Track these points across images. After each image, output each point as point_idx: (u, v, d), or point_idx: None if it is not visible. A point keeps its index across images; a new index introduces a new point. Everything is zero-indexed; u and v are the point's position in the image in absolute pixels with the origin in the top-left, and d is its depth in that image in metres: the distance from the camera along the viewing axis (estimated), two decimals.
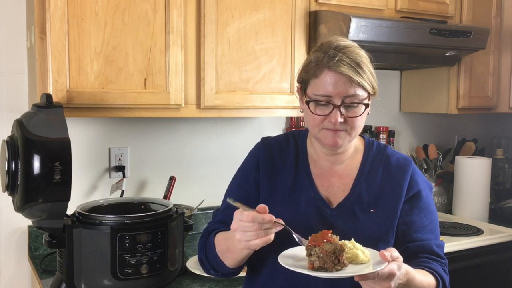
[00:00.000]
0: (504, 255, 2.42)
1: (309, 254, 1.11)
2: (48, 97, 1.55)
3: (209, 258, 1.32)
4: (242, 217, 1.10)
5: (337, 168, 1.34)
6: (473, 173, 2.71)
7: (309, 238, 1.13)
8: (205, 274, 1.78)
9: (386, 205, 1.29)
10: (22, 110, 1.82)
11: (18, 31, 2.04)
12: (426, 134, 3.08)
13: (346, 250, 1.11)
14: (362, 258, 1.11)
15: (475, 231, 2.45)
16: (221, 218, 1.36)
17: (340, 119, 1.22)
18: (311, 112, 1.25)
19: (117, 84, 1.80)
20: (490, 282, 2.40)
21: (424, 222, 1.31)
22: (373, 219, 1.28)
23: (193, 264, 1.87)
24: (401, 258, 1.10)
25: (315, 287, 1.26)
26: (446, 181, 2.92)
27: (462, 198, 2.75)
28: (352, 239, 1.15)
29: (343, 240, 1.14)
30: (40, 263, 1.94)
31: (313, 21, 2.16)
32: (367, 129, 2.73)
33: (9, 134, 1.57)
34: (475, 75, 2.69)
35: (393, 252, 1.08)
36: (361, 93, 1.23)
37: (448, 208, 2.88)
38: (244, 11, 2.00)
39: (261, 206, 1.11)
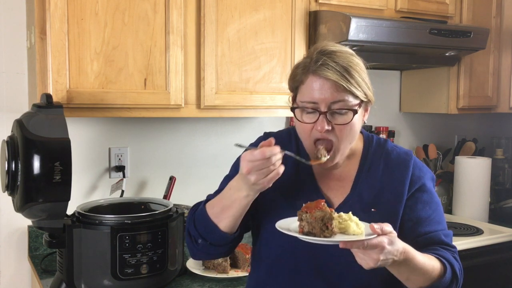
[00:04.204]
0: (504, 255, 2.42)
1: (300, 219, 1.13)
2: (48, 97, 1.55)
3: (198, 228, 1.26)
4: (253, 156, 1.08)
5: (335, 171, 1.32)
6: (473, 173, 2.71)
7: (303, 205, 1.15)
8: (205, 274, 1.79)
9: (388, 204, 1.27)
10: (22, 110, 1.82)
11: (18, 31, 2.04)
12: (426, 134, 3.08)
13: (339, 220, 1.11)
14: (354, 230, 1.10)
15: (475, 231, 2.45)
16: (213, 197, 1.32)
17: (327, 127, 1.18)
18: (298, 120, 1.23)
19: (117, 84, 1.80)
20: (490, 282, 2.40)
21: (430, 215, 1.28)
22: (375, 219, 1.26)
23: (193, 264, 1.87)
24: (394, 234, 1.07)
25: None
26: (446, 181, 2.92)
27: (462, 198, 2.75)
28: (350, 212, 1.13)
29: (341, 212, 1.13)
30: (40, 263, 1.94)
31: (313, 21, 2.16)
32: (367, 129, 2.74)
33: (9, 134, 1.57)
34: (475, 75, 2.69)
35: (384, 226, 1.06)
36: (350, 99, 1.18)
37: (448, 208, 2.88)
38: (244, 11, 2.00)
39: (266, 141, 1.11)
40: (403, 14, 2.38)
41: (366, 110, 1.28)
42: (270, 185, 1.13)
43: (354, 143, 1.28)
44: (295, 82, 1.24)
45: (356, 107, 1.20)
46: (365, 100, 1.23)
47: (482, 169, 2.72)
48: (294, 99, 1.27)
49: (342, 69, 1.17)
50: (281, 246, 1.27)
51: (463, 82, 2.65)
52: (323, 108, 1.18)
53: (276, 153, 1.09)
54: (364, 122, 1.28)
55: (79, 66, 1.73)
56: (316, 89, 1.18)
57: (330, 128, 1.19)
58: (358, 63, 1.21)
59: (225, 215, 1.21)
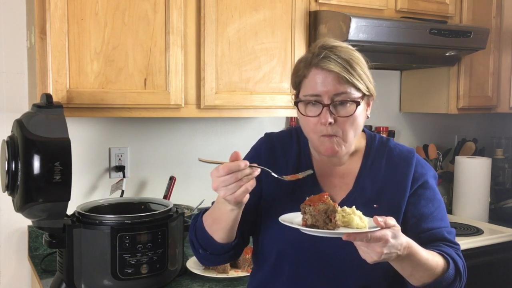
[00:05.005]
0: (504, 255, 2.42)
1: (303, 212, 1.13)
2: (48, 97, 1.55)
3: (198, 238, 1.28)
4: (219, 172, 1.07)
5: (338, 169, 1.33)
6: (473, 173, 2.71)
7: (307, 198, 1.15)
8: (205, 274, 1.79)
9: (390, 201, 1.27)
10: (22, 110, 1.82)
11: (18, 31, 2.04)
12: (426, 134, 3.08)
13: (343, 214, 1.11)
14: (358, 223, 1.10)
15: (475, 231, 2.45)
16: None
17: (330, 120, 1.19)
18: (302, 114, 1.24)
19: (117, 84, 1.80)
20: (490, 282, 2.40)
21: (432, 212, 1.28)
22: (377, 215, 1.26)
23: (193, 264, 1.87)
24: (398, 227, 1.07)
25: (315, 287, 1.26)
26: (446, 181, 2.93)
27: (462, 198, 2.75)
28: (353, 206, 1.13)
29: (344, 206, 1.13)
30: (40, 263, 1.94)
31: (313, 21, 2.16)
32: (367, 129, 2.73)
33: (9, 134, 1.57)
34: (475, 75, 2.69)
35: (388, 219, 1.06)
36: (353, 91, 1.20)
37: (448, 208, 2.88)
38: (244, 11, 2.00)
39: (233, 154, 1.09)
40: (403, 14, 2.38)
41: (368, 105, 1.29)
42: (242, 200, 1.11)
43: (358, 136, 1.29)
44: (298, 77, 1.26)
45: (359, 99, 1.21)
46: (367, 93, 1.24)
47: (482, 169, 2.72)
48: (297, 96, 1.27)
49: (344, 62, 1.18)
50: (283, 242, 1.27)
51: (463, 82, 2.65)
52: (326, 101, 1.19)
53: (242, 169, 1.07)
54: (367, 116, 1.29)
55: (79, 66, 1.73)
56: (319, 82, 1.19)
57: (333, 120, 1.20)
58: (358, 57, 1.23)
59: (217, 228, 1.22)
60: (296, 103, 1.26)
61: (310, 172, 1.21)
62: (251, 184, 1.10)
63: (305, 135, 1.30)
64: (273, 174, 1.19)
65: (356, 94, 1.21)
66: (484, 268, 2.35)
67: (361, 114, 1.24)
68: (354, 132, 1.25)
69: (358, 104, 1.21)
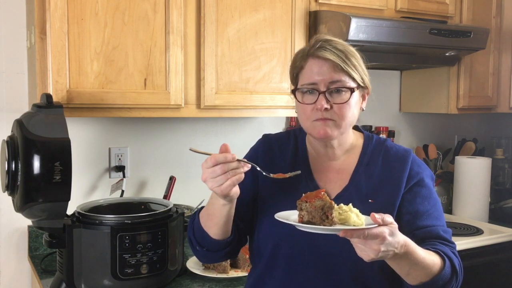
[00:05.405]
0: (504, 255, 2.42)
1: (299, 209, 1.13)
2: (48, 97, 1.55)
3: (195, 234, 1.31)
4: (207, 164, 1.10)
5: (334, 164, 1.35)
6: (473, 173, 2.71)
7: (303, 195, 1.15)
8: (205, 274, 1.80)
9: (385, 196, 1.28)
10: (22, 110, 1.82)
11: (18, 31, 2.04)
12: (426, 134, 3.08)
13: (340, 211, 1.11)
14: (355, 221, 1.09)
15: (475, 231, 2.45)
16: None
17: (326, 105, 1.23)
18: (299, 102, 1.27)
19: (117, 84, 1.80)
20: (490, 282, 2.40)
21: (428, 210, 1.29)
22: (371, 210, 1.25)
23: (193, 264, 1.87)
24: (395, 225, 1.07)
25: (310, 281, 1.26)
26: (446, 181, 2.92)
27: (462, 198, 2.75)
28: (350, 204, 1.14)
29: (341, 204, 1.13)
30: (40, 263, 1.94)
31: (313, 21, 2.16)
32: (367, 129, 2.73)
33: (9, 134, 1.57)
34: (475, 75, 2.69)
35: (385, 217, 1.06)
36: (348, 80, 1.24)
37: (448, 208, 2.88)
38: (244, 11, 2.00)
39: (222, 146, 1.12)
40: (403, 14, 2.38)
41: (363, 98, 1.32)
42: (229, 193, 1.12)
43: (351, 127, 1.32)
44: (295, 68, 1.30)
45: (354, 88, 1.25)
46: (362, 85, 1.28)
47: (482, 169, 2.72)
48: (295, 91, 1.30)
49: (339, 52, 1.24)
50: (278, 236, 1.29)
51: (463, 82, 2.65)
52: (322, 88, 1.24)
53: (228, 161, 1.09)
54: (363, 109, 1.32)
55: (79, 66, 1.73)
56: (315, 71, 1.25)
57: (329, 107, 1.23)
58: (353, 51, 1.28)
59: (211, 223, 1.25)
60: (293, 92, 1.29)
61: (298, 172, 1.24)
62: (237, 179, 1.11)
63: (301, 126, 1.32)
64: (258, 169, 1.21)
65: (351, 83, 1.25)
66: (484, 268, 2.35)
67: (356, 104, 1.28)
68: (348, 120, 1.27)
69: (352, 91, 1.25)
